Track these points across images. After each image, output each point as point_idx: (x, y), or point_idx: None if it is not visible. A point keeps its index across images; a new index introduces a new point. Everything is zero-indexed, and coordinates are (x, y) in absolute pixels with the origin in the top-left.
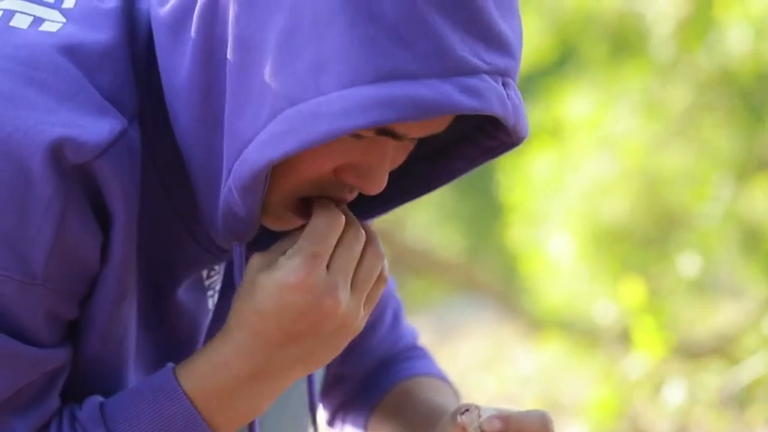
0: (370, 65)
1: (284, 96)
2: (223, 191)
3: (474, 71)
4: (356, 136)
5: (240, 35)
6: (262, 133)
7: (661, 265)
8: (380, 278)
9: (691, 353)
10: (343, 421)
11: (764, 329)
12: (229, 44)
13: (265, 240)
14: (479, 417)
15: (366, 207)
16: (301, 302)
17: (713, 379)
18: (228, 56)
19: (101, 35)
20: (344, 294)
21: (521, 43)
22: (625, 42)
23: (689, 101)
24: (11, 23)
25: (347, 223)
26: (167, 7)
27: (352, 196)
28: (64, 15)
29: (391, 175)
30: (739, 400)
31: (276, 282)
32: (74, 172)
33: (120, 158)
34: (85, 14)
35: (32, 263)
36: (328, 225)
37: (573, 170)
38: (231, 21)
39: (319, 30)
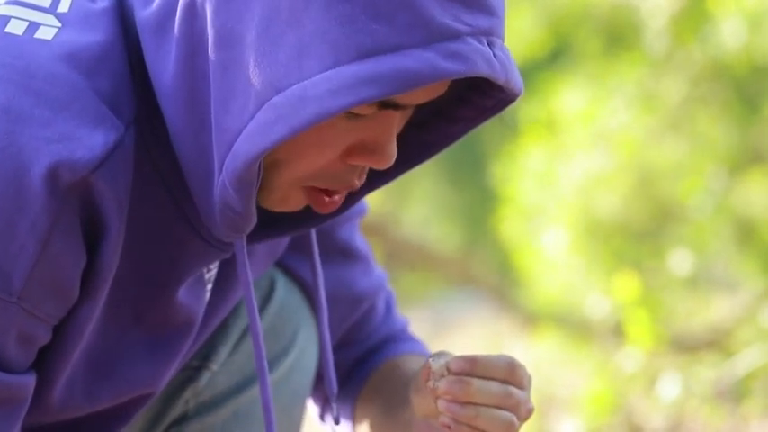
0: (350, 43)
1: (269, 85)
2: (217, 186)
3: (456, 35)
4: (355, 116)
5: (220, 31)
6: (250, 125)
7: (655, 258)
8: None
9: (685, 346)
10: (332, 411)
11: (759, 322)
12: (210, 41)
13: (264, 231)
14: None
15: (366, 179)
16: None
17: (708, 372)
18: (210, 53)
19: (96, 37)
20: None
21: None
22: (619, 36)
23: (683, 94)
24: (6, 30)
25: None
26: (150, 9)
27: (361, 181)
28: (59, 20)
29: None
30: (734, 394)
31: None
32: (69, 190)
33: (116, 169)
34: (80, 17)
35: (12, 279)
36: None
37: (567, 164)
38: (210, 17)
39: (296, 15)
